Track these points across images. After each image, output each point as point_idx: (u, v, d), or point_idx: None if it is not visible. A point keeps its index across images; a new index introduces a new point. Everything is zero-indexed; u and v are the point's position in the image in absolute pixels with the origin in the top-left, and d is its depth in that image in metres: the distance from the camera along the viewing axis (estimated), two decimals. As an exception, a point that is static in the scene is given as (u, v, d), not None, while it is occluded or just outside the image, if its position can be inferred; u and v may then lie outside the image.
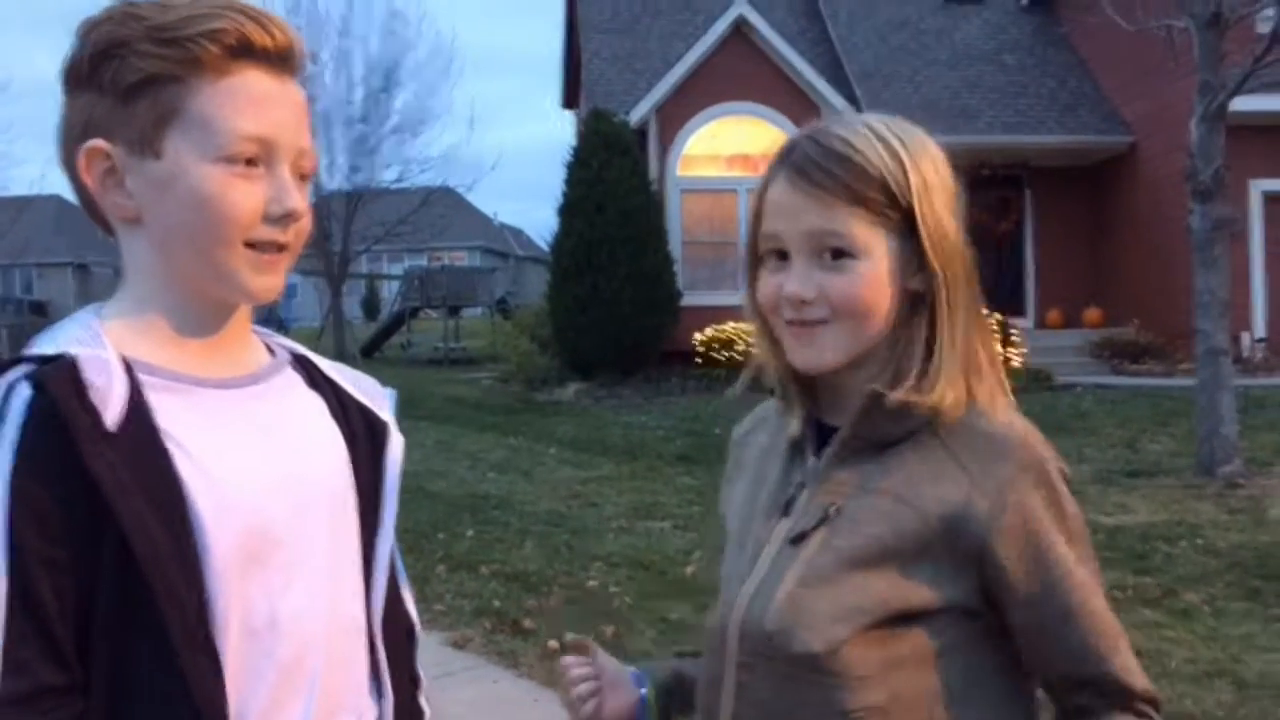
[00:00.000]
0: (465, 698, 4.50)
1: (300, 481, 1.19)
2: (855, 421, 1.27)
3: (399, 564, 1.35)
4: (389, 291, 34.10)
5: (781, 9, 19.76)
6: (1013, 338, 14.43)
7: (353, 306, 33.49)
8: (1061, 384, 14.00)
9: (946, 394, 1.23)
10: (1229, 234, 8.70)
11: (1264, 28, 11.13)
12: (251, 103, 1.13)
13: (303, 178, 1.19)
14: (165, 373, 1.14)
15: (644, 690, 1.45)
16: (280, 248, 1.17)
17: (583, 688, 1.43)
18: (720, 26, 16.75)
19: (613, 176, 15.12)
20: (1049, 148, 17.67)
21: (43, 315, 27.14)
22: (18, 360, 1.10)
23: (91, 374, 1.07)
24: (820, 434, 1.32)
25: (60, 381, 1.05)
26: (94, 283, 40.54)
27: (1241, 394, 9.48)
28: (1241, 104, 9.08)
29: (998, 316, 12.42)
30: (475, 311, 28.69)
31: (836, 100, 16.07)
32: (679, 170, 16.86)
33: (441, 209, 24.53)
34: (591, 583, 6.14)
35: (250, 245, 1.15)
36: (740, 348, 15.06)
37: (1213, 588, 5.74)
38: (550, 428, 12.44)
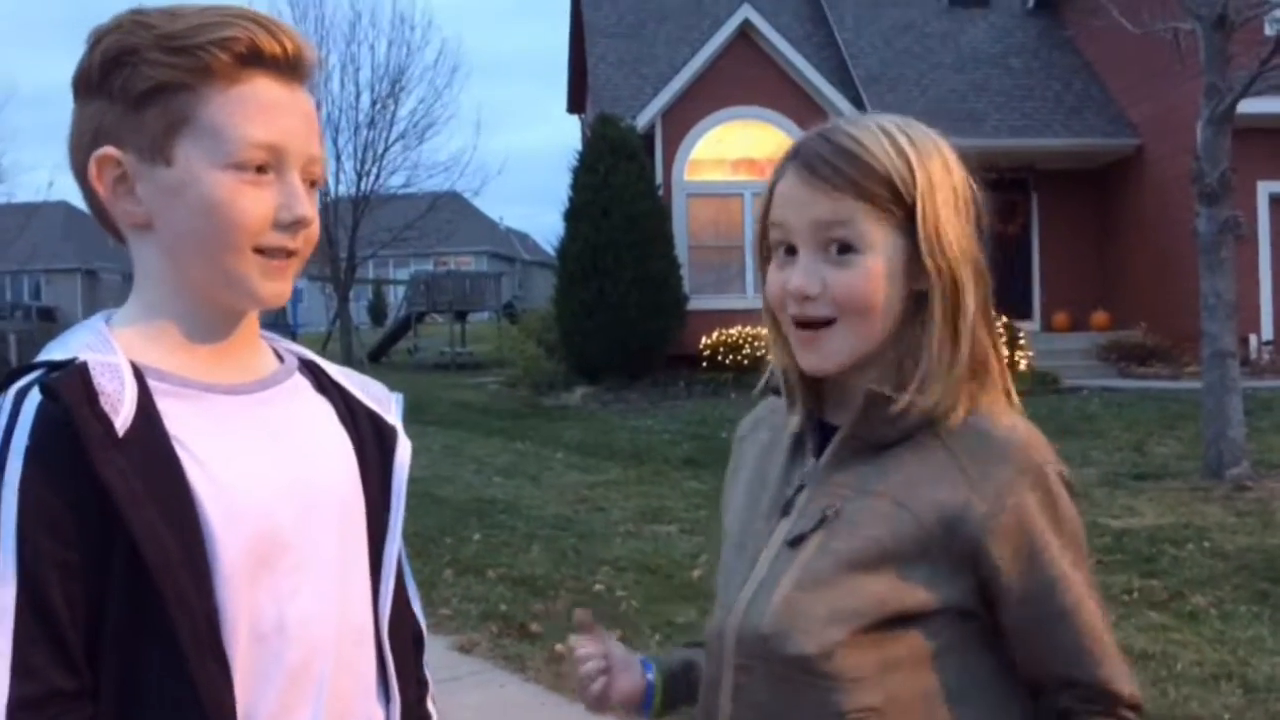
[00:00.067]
0: (472, 702, 4.50)
1: (309, 486, 1.19)
2: (854, 423, 1.27)
3: (406, 568, 1.35)
4: (395, 296, 34.12)
5: (787, 13, 19.78)
6: (1019, 341, 14.41)
7: (359, 312, 33.53)
8: (1068, 387, 13.98)
9: (944, 397, 1.23)
10: (1236, 236, 8.68)
11: (1271, 30, 11.12)
12: (261, 110, 1.14)
13: (312, 184, 1.20)
14: (175, 378, 1.15)
15: (650, 676, 1.46)
16: (289, 254, 1.18)
17: (590, 666, 1.44)
18: (726, 31, 16.76)
19: (619, 181, 15.14)
20: (1055, 151, 17.65)
21: (51, 321, 27.17)
22: (29, 367, 1.11)
23: (102, 380, 1.08)
24: (823, 434, 1.33)
25: (71, 388, 1.05)
26: (102, 289, 40.63)
27: (1249, 396, 9.46)
28: (1248, 106, 9.06)
29: (1004, 319, 12.42)
30: (482, 316, 28.71)
31: (842, 104, 16.06)
32: (685, 174, 16.87)
33: (448, 214, 24.53)
34: (598, 587, 6.14)
35: (259, 251, 1.16)
36: (747, 351, 15.07)
37: (1220, 590, 5.72)
38: (557, 432, 12.45)
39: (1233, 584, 5.84)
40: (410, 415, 1.39)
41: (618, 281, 14.89)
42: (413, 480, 1.34)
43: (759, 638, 1.25)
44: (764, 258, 1.33)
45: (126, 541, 1.04)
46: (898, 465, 1.25)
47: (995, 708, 1.25)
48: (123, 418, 1.07)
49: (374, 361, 23.00)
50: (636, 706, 1.45)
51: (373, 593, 1.26)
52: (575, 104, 25.36)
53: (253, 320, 1.24)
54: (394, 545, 1.29)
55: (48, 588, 1.03)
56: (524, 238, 57.30)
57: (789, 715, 1.23)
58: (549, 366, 17.01)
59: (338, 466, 1.24)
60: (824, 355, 1.27)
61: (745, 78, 16.58)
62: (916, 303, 1.27)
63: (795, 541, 1.27)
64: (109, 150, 1.14)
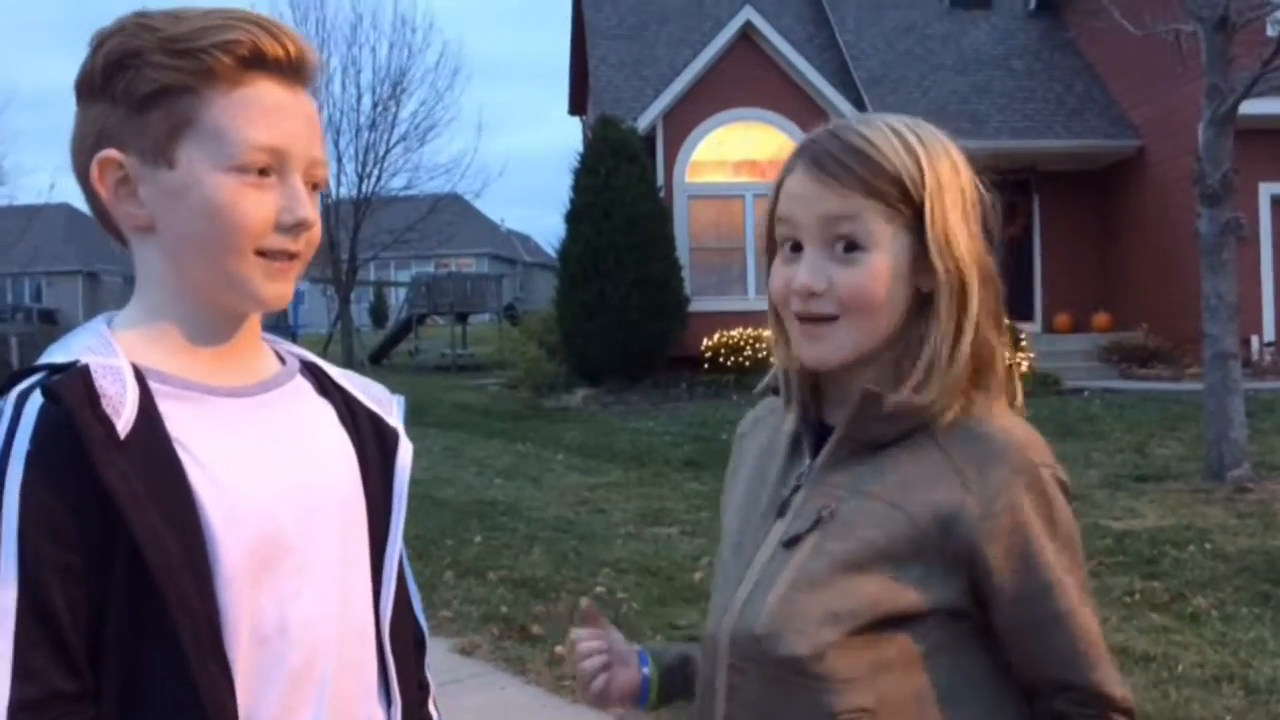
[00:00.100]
0: (473, 704, 4.50)
1: (310, 489, 1.19)
2: (849, 422, 1.27)
3: (408, 571, 1.35)
4: (396, 298, 34.14)
5: (789, 15, 19.78)
6: (1021, 342, 14.41)
7: (360, 314, 33.52)
8: (1070, 388, 13.97)
9: (941, 396, 1.23)
10: (1237, 238, 8.68)
11: (1273, 31, 11.11)
12: (264, 113, 1.14)
13: (314, 187, 1.20)
14: (177, 381, 1.15)
15: (646, 670, 1.46)
16: (291, 256, 1.18)
17: (589, 664, 1.44)
18: (727, 33, 16.77)
19: (620, 183, 15.14)
20: (1057, 152, 17.64)
21: (52, 323, 27.19)
22: (31, 370, 1.11)
23: (104, 383, 1.08)
24: (821, 434, 1.33)
25: (73, 391, 1.05)
26: (103, 291, 40.65)
27: (1250, 398, 9.45)
28: (1250, 107, 9.05)
29: (1005, 321, 12.36)
30: (483, 318, 28.74)
31: (844, 106, 16.07)
32: (686, 176, 16.87)
33: (449, 216, 24.56)
34: (599, 589, 6.14)
35: (261, 254, 1.16)
36: (748, 353, 15.07)
37: (1222, 592, 5.72)
38: (558, 434, 12.45)
39: (1234, 586, 5.84)
40: (411, 417, 1.40)
41: (619, 283, 14.90)
42: (413, 482, 1.34)
43: (752, 639, 1.25)
44: (769, 253, 1.33)
45: (128, 544, 1.04)
46: (894, 466, 1.25)
47: (989, 709, 1.25)
48: (124, 420, 1.07)
49: (375, 363, 23.02)
50: (632, 700, 1.46)
51: (374, 595, 1.26)
52: (576, 106, 25.37)
53: (255, 322, 1.24)
54: (395, 547, 1.29)
55: (49, 590, 1.03)
56: (525, 240, 57.35)
57: (782, 716, 1.23)
58: (550, 368, 17.02)
59: (339, 469, 1.25)
60: (826, 348, 1.27)
61: (747, 80, 16.59)
62: (920, 303, 1.27)
63: (791, 543, 1.27)
64: (111, 153, 1.14)
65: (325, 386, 1.31)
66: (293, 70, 1.17)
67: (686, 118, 16.75)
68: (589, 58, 20.27)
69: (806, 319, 1.27)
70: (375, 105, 21.46)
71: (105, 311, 1.24)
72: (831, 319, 1.26)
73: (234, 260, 1.15)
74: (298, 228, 1.17)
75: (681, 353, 15.51)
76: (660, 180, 16.26)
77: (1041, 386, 13.57)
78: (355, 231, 21.10)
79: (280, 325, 22.70)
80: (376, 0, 38.91)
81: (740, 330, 15.44)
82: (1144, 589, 5.79)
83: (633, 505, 8.52)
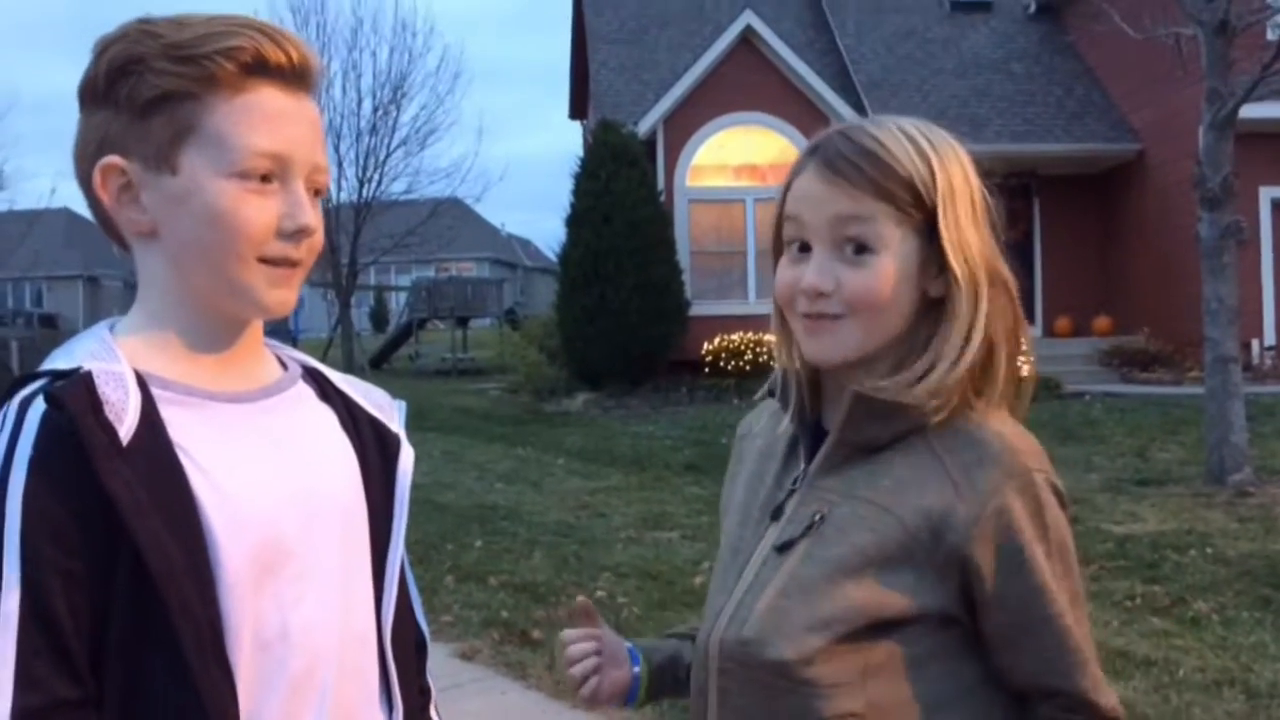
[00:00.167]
0: (474, 709, 4.50)
1: (312, 494, 1.19)
2: (841, 425, 1.27)
3: (409, 575, 1.35)
4: (397, 303, 34.18)
5: (789, 19, 19.80)
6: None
7: (361, 318, 33.54)
8: (1070, 392, 13.96)
9: (935, 398, 1.23)
10: (1238, 241, 8.68)
11: (1273, 35, 11.12)
12: (266, 119, 1.14)
13: (316, 193, 1.20)
14: (179, 387, 1.15)
15: (636, 669, 1.47)
16: (293, 263, 1.18)
17: (578, 668, 1.44)
18: (728, 37, 16.78)
19: (620, 187, 15.14)
20: (1057, 156, 17.66)
21: (53, 328, 27.22)
22: (33, 375, 1.11)
23: (107, 389, 1.08)
24: (818, 437, 1.33)
25: (76, 397, 1.05)
26: (104, 296, 40.67)
27: (1251, 402, 9.45)
28: (1250, 111, 9.06)
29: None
30: (483, 322, 28.74)
31: (844, 110, 16.08)
32: (687, 180, 16.87)
33: (449, 220, 24.57)
34: (600, 593, 6.13)
35: (264, 260, 1.16)
36: (749, 357, 15.07)
37: (1223, 596, 5.71)
38: (558, 438, 12.44)
39: (1235, 590, 5.83)
40: (412, 422, 1.40)
41: (619, 287, 14.90)
42: (414, 487, 1.34)
43: (740, 644, 1.25)
44: (776, 253, 1.33)
45: (130, 550, 1.04)
46: (887, 470, 1.25)
47: (978, 715, 1.25)
48: (127, 426, 1.07)
49: (375, 368, 23.01)
50: (621, 697, 1.46)
51: (375, 600, 1.27)
52: (577, 110, 25.38)
53: (257, 328, 1.25)
54: (397, 552, 1.29)
55: (51, 597, 1.03)
56: (525, 244, 57.39)
57: None
58: (550, 372, 17.01)
59: (341, 474, 1.25)
60: (830, 345, 1.27)
61: (747, 84, 16.60)
62: (926, 307, 1.27)
63: (783, 547, 1.27)
64: (114, 159, 1.14)
65: (327, 392, 1.31)
66: (295, 76, 1.17)
67: (687, 122, 16.75)
68: (590, 62, 20.28)
69: (812, 316, 1.27)
70: (376, 110, 21.52)
71: (106, 316, 1.25)
72: (837, 318, 1.26)
73: (236, 267, 1.15)
74: (299, 234, 1.17)
75: (682, 357, 15.51)
76: (661, 184, 16.26)
77: (1042, 390, 13.54)
78: (356, 236, 21.13)
79: (281, 330, 22.70)
80: (377, 5, 38.82)
81: (741, 334, 15.43)
82: (1145, 593, 5.79)
83: (633, 510, 8.51)
